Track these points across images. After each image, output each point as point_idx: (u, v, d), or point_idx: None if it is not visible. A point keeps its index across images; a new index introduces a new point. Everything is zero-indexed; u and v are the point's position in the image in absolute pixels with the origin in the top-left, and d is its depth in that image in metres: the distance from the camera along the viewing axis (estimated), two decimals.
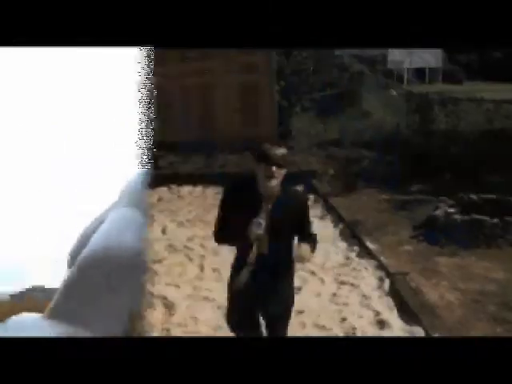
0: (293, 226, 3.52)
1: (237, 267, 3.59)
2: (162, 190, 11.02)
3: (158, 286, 6.28)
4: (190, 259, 7.11)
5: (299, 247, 3.42)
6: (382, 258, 6.79)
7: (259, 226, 3.31)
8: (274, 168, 3.27)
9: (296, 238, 3.59)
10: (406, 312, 5.52)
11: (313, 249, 3.55)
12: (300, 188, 8.36)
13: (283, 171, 3.35)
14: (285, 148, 3.35)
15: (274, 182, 3.33)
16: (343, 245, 7.58)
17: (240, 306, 3.67)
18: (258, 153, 3.35)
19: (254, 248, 3.39)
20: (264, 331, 3.82)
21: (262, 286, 3.52)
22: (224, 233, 3.59)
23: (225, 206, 3.56)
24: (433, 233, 7.50)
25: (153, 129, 10.94)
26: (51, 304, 5.69)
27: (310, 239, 3.57)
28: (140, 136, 10.66)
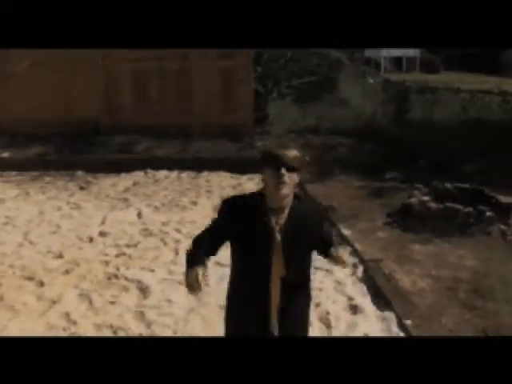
0: (310, 241, 3.04)
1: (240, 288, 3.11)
2: (138, 175, 10.99)
3: (133, 270, 6.26)
4: (165, 243, 7.09)
5: (336, 255, 3.11)
6: (356, 245, 6.84)
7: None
8: (283, 171, 2.79)
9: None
10: (379, 298, 5.57)
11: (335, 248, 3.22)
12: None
13: (295, 176, 2.86)
14: (296, 150, 2.87)
15: (286, 190, 2.84)
16: None
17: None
18: (264, 155, 2.91)
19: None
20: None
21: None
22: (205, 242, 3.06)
23: (221, 221, 3.05)
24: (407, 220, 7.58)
25: None
26: None
27: (332, 247, 3.19)
28: None
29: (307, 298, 3.20)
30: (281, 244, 2.92)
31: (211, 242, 3.06)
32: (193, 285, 2.88)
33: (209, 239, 3.07)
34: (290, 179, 2.83)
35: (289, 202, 2.93)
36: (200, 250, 3.03)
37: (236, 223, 2.96)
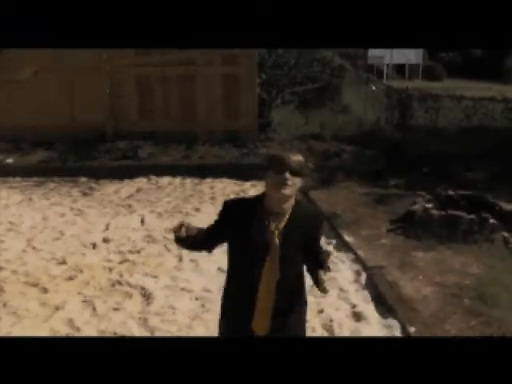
0: (305, 247, 2.99)
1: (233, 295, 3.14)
2: (141, 181, 11.00)
3: (137, 277, 6.27)
4: (169, 250, 7.10)
5: (320, 280, 2.86)
6: (359, 252, 6.84)
7: None
8: (287, 174, 2.82)
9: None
10: (383, 305, 5.57)
11: (326, 271, 2.96)
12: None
13: (298, 181, 2.88)
14: (300, 155, 2.91)
15: (288, 192, 2.84)
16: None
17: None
18: (268, 158, 2.95)
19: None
20: None
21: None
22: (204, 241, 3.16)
23: (221, 221, 3.10)
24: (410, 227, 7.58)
25: None
26: None
27: (322, 257, 2.98)
28: None
29: (303, 301, 3.20)
30: (279, 248, 2.94)
31: (207, 236, 3.15)
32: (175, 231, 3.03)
33: (206, 233, 3.16)
34: (293, 183, 2.85)
35: (290, 206, 2.95)
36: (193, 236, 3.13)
37: (236, 225, 3.00)
